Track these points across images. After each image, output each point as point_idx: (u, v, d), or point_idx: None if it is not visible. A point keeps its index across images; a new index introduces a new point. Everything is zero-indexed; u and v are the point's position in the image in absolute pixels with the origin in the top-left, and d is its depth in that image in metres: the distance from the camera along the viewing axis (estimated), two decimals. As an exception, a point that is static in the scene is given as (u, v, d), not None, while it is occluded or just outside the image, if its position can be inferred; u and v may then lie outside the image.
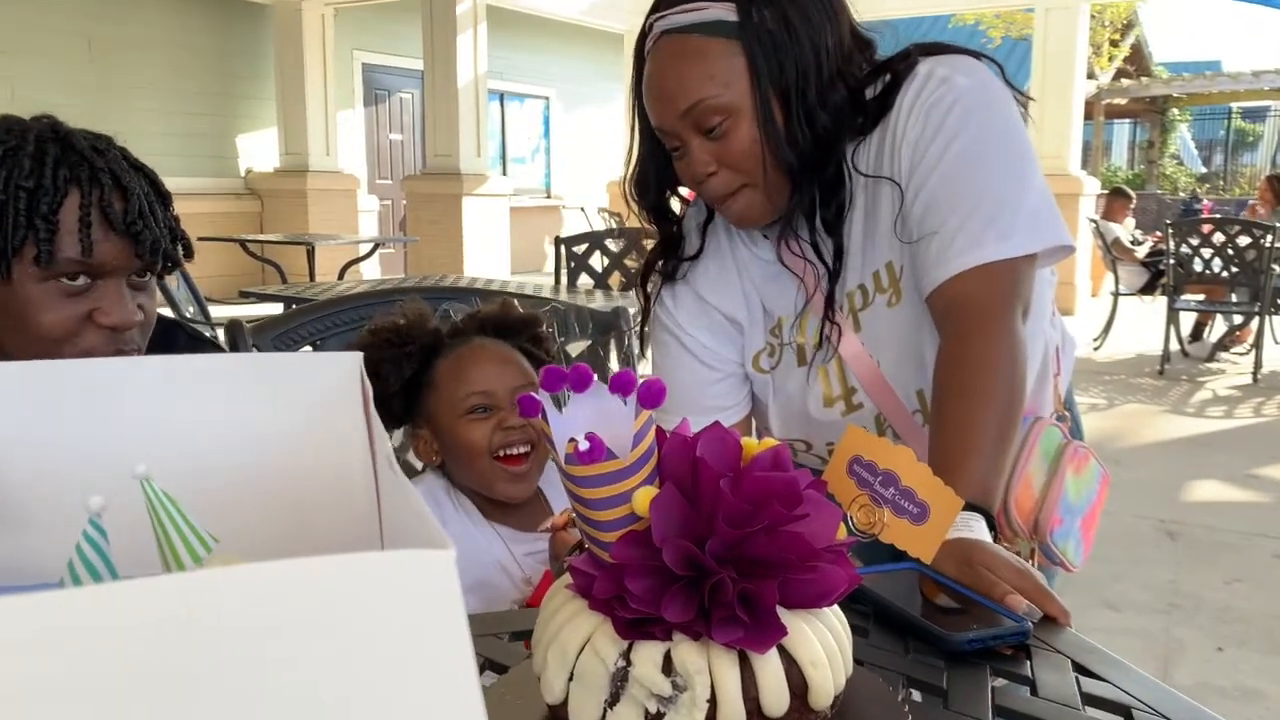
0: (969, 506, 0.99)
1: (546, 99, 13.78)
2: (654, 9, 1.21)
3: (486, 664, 0.83)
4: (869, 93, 1.22)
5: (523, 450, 1.32)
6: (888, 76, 1.22)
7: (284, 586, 0.30)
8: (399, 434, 1.49)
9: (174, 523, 0.48)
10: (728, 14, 1.15)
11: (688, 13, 1.16)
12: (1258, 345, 7.12)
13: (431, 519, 0.34)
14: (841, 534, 0.69)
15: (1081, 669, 0.83)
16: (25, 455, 0.55)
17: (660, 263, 1.38)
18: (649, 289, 1.40)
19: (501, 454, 1.32)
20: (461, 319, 1.43)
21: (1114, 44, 18.04)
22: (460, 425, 1.32)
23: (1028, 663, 0.84)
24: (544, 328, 1.45)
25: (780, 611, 0.65)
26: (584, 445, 0.64)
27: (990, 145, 1.17)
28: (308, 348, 1.62)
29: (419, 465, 1.47)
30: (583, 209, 12.42)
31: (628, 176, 1.32)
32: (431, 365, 1.36)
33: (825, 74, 1.18)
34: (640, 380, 0.67)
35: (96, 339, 1.15)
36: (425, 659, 0.31)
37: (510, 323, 1.42)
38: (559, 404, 0.68)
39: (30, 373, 0.55)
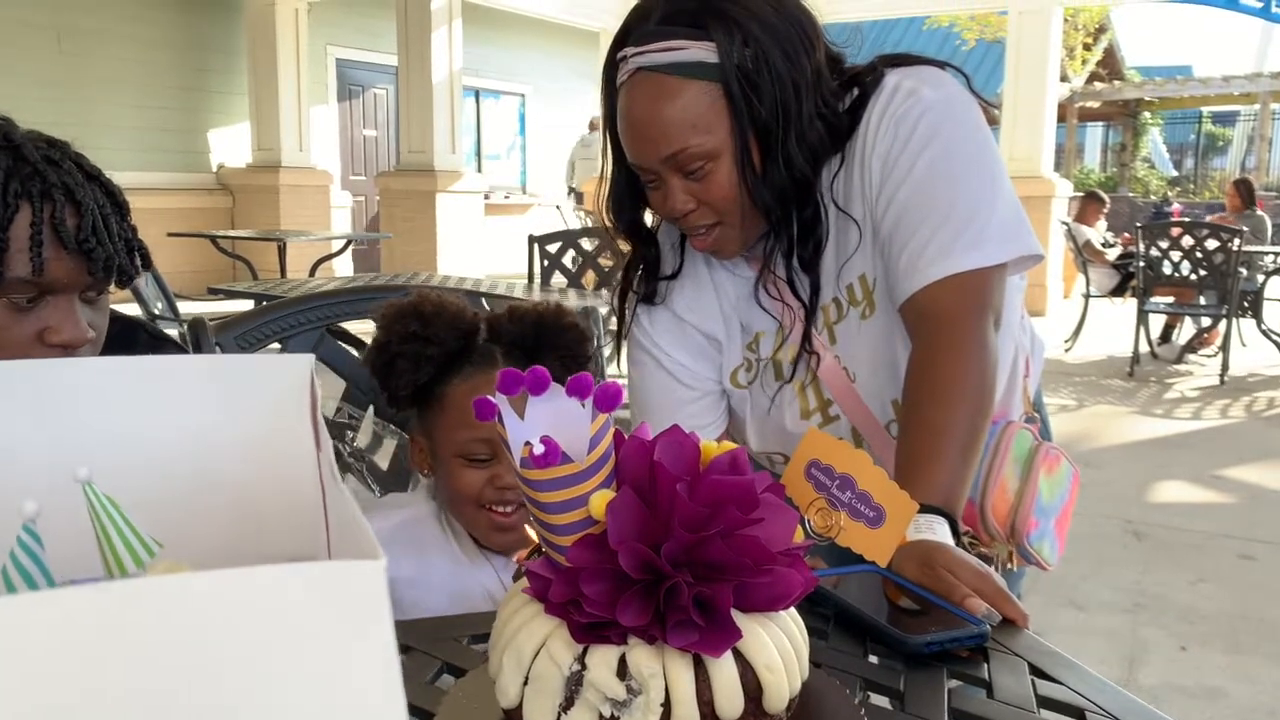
0: (933, 510, 1.00)
1: (522, 96, 13.75)
2: (626, 40, 1.17)
3: (445, 667, 0.82)
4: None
5: (512, 508, 1.22)
6: (855, 91, 1.22)
7: (212, 596, 0.30)
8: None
9: (116, 527, 0.47)
10: (707, 54, 1.12)
11: (666, 52, 1.13)
12: (1225, 348, 7.20)
13: (366, 528, 0.34)
14: (798, 537, 0.70)
15: (1038, 671, 0.84)
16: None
17: (637, 281, 1.36)
18: (625, 307, 1.38)
19: (490, 506, 1.23)
20: (501, 316, 1.29)
21: (1087, 47, 18.18)
22: (455, 465, 1.22)
23: (985, 665, 0.85)
24: (589, 345, 1.33)
25: (736, 615, 0.65)
26: (539, 449, 0.64)
27: (959, 156, 1.18)
28: (275, 345, 1.61)
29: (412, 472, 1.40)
30: (558, 207, 12.40)
31: (602, 197, 1.30)
32: (447, 379, 1.24)
33: (805, 113, 1.16)
34: (598, 383, 0.67)
35: (46, 357, 1.12)
36: (352, 667, 0.31)
37: (558, 330, 1.29)
38: (517, 407, 0.68)
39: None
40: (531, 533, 1.03)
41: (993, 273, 1.16)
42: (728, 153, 1.15)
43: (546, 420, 0.68)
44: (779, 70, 1.14)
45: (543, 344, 1.27)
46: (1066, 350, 8.06)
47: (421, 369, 1.22)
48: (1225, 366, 7.15)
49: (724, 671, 0.64)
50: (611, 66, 1.20)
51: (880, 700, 0.81)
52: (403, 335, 1.21)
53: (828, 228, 1.23)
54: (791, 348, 1.30)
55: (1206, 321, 7.86)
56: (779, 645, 0.67)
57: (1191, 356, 8.02)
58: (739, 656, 0.65)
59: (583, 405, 0.67)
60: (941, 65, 1.25)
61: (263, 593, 0.29)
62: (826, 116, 1.19)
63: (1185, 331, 8.39)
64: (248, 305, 4.22)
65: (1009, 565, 1.29)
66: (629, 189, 1.27)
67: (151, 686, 0.29)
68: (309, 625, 0.29)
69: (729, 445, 0.70)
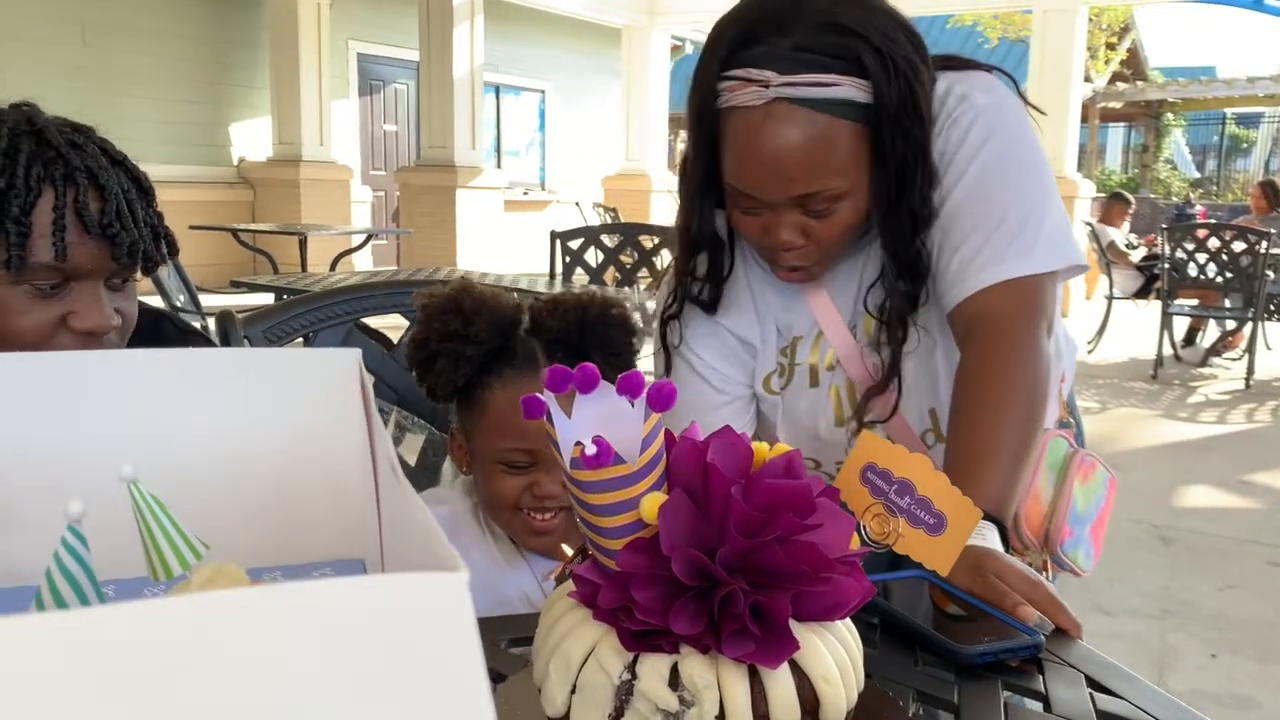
0: (983, 516, 0.97)
1: (542, 92, 13.72)
2: (751, 55, 1.07)
3: (483, 671, 0.80)
4: None
5: (550, 514, 1.18)
6: None
7: (292, 609, 0.28)
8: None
9: (162, 528, 0.45)
10: (860, 94, 1.05)
11: (818, 87, 1.05)
12: (1250, 351, 7.12)
13: (440, 535, 0.31)
14: (855, 544, 0.67)
15: (1095, 684, 0.81)
16: (6, 451, 0.52)
17: (705, 290, 1.28)
18: (679, 312, 1.31)
19: (528, 511, 1.19)
20: (544, 307, 1.22)
21: (1110, 47, 18.04)
22: (494, 471, 1.19)
23: (1040, 677, 0.82)
24: (636, 339, 1.26)
25: (792, 624, 0.63)
26: (591, 449, 0.62)
27: (1011, 162, 1.16)
28: (299, 340, 1.59)
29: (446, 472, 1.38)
30: (577, 203, 12.37)
31: (679, 210, 1.24)
32: (488, 381, 1.19)
33: (930, 154, 1.13)
34: (649, 382, 0.64)
35: (71, 344, 1.10)
36: (438, 684, 0.29)
37: (602, 323, 1.22)
38: (565, 406, 0.65)
39: (12, 365, 0.52)
40: (567, 548, 1.00)
41: (1045, 279, 1.14)
42: (857, 194, 1.10)
43: (595, 420, 0.66)
44: (922, 108, 1.08)
45: (587, 339, 1.21)
46: (1089, 352, 8.00)
47: (460, 369, 1.17)
48: (1251, 370, 7.06)
49: (780, 683, 0.62)
50: (714, 75, 1.09)
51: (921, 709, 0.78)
52: (443, 333, 1.16)
53: (928, 262, 1.18)
54: (829, 353, 1.27)
55: (1231, 324, 7.78)
56: (836, 656, 0.65)
57: (1216, 360, 7.94)
58: (795, 667, 0.63)
59: (633, 404, 0.65)
60: (990, 69, 1.23)
61: (341, 606, 0.26)
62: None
63: (1210, 334, 8.30)
64: (269, 298, 4.22)
65: (1044, 574, 1.26)
66: (714, 201, 1.21)
67: (221, 705, 0.26)
68: (389, 642, 0.27)
69: (783, 447, 0.67)
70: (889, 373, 1.21)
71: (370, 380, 0.53)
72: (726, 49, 1.09)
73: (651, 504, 0.63)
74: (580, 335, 1.20)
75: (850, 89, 1.05)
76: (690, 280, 1.29)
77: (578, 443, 0.62)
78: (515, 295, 1.24)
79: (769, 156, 1.07)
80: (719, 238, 1.26)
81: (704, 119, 1.12)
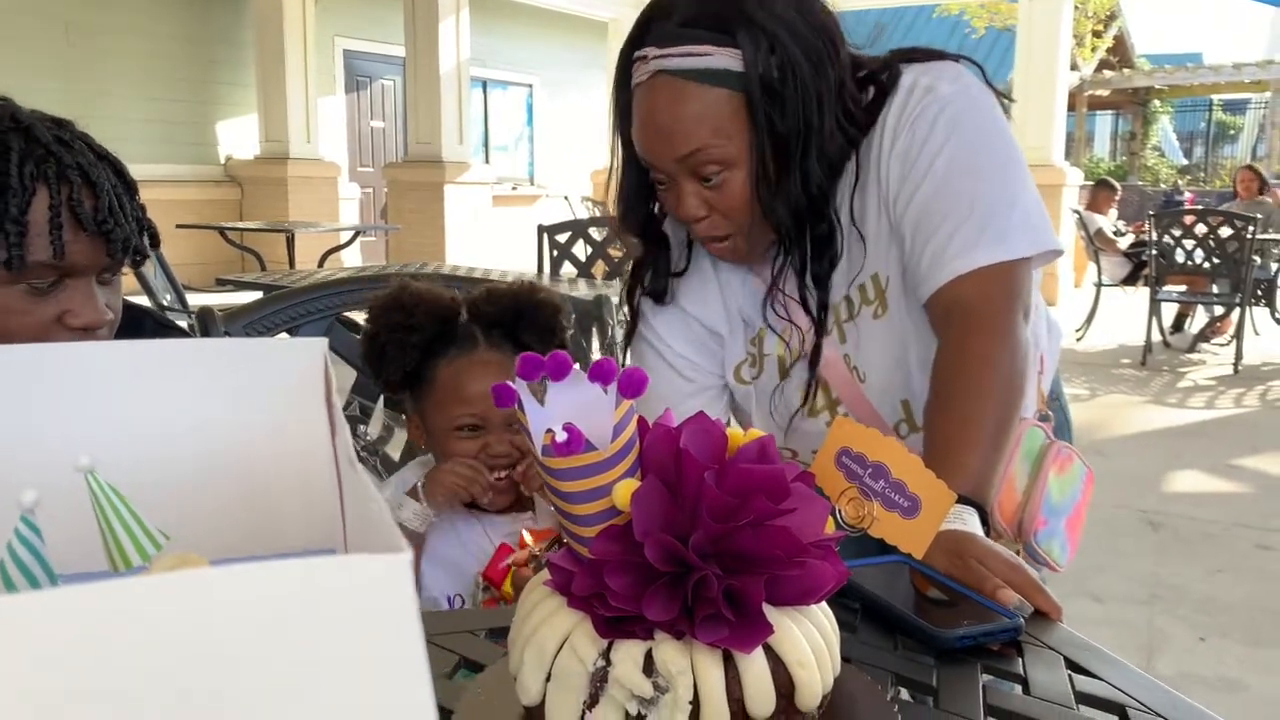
0: (962, 500, 0.97)
1: (530, 87, 13.69)
2: (645, 36, 1.14)
3: (463, 662, 0.80)
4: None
5: (504, 473, 1.32)
6: (871, 90, 1.20)
7: (231, 592, 0.28)
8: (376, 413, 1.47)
9: (120, 519, 0.45)
10: (732, 62, 1.09)
11: (689, 57, 1.10)
12: (1238, 336, 7.14)
13: (388, 519, 0.31)
14: (830, 528, 0.67)
15: (1075, 666, 0.81)
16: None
17: (648, 278, 1.33)
18: (634, 303, 1.36)
19: None
20: (479, 297, 1.37)
21: (1097, 35, 18.06)
22: (449, 439, 1.32)
23: (1019, 660, 0.82)
24: (564, 318, 1.39)
25: (766, 609, 0.63)
26: (562, 436, 0.61)
27: (980, 151, 1.16)
28: (283, 335, 1.59)
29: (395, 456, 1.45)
30: (566, 198, 12.35)
31: (611, 194, 1.27)
32: (434, 362, 1.33)
33: (826, 126, 1.14)
34: (621, 369, 0.64)
35: (67, 341, 1.11)
36: (378, 664, 0.28)
37: (534, 306, 1.36)
38: (536, 393, 0.65)
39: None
40: (527, 537, 1.01)
41: (1020, 265, 1.14)
42: (744, 162, 1.13)
43: (568, 407, 0.65)
44: (804, 82, 1.11)
45: (521, 321, 1.35)
46: (1078, 340, 8.02)
47: (408, 355, 1.31)
48: (1239, 355, 7.09)
49: (755, 668, 0.62)
50: (627, 62, 1.16)
51: (910, 696, 0.78)
52: (389, 326, 1.30)
53: (843, 244, 1.21)
54: (795, 344, 1.28)
55: (1219, 310, 7.80)
56: (811, 640, 0.65)
57: (1204, 345, 7.96)
58: (770, 652, 0.63)
59: (605, 391, 0.65)
60: (956, 58, 1.23)
61: (282, 588, 0.26)
62: (847, 128, 1.17)
63: (1198, 320, 8.33)
64: (257, 296, 4.21)
65: None
66: (639, 186, 1.24)
67: (167, 686, 0.26)
68: (331, 621, 0.27)
69: (757, 432, 0.67)
70: (812, 356, 1.26)
71: (333, 372, 0.53)
72: (633, 36, 1.16)
73: (624, 490, 0.62)
74: (514, 318, 1.35)
75: (724, 58, 1.10)
76: (644, 270, 1.33)
77: (549, 430, 0.62)
78: (453, 291, 1.38)
79: (648, 123, 1.14)
80: (656, 227, 1.30)
81: (618, 104, 1.20)
